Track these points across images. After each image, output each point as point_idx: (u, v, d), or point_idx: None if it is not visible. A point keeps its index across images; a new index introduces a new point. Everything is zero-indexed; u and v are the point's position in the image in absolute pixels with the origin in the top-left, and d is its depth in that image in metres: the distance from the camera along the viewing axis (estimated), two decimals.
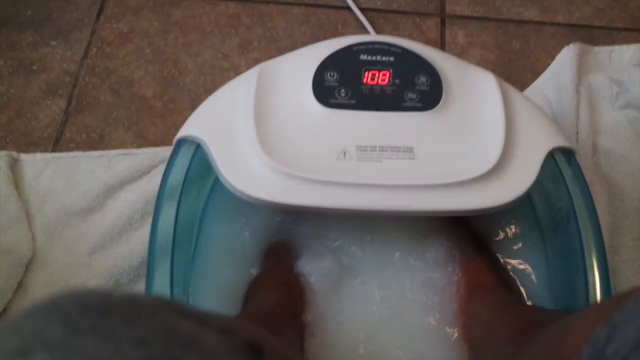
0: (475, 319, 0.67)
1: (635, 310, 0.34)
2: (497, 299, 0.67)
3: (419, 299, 0.70)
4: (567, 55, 0.92)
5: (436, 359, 0.67)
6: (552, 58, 0.95)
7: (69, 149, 0.89)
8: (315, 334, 0.69)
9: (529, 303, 0.70)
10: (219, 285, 0.71)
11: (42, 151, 0.89)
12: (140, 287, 0.76)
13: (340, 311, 0.70)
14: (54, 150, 0.89)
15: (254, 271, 0.72)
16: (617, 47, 0.96)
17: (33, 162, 0.86)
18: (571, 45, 0.93)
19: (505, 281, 0.70)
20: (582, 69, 0.92)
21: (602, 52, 0.96)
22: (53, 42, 0.99)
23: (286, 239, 0.73)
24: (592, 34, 1.00)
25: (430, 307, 0.70)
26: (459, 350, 0.67)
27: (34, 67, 0.96)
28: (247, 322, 0.64)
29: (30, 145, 0.90)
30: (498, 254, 0.72)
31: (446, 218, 0.72)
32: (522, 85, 0.94)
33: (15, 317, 0.28)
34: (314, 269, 0.71)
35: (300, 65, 0.67)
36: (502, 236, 0.73)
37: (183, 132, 0.67)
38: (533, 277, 0.71)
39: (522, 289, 0.70)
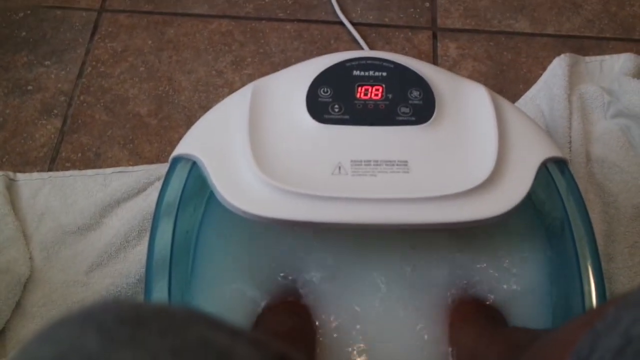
0: (462, 346, 0.68)
1: (617, 317, 0.34)
2: (483, 326, 0.68)
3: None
4: (558, 66, 0.93)
5: None
6: (544, 69, 0.96)
7: (64, 168, 0.90)
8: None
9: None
10: (217, 301, 0.71)
11: (38, 170, 0.89)
12: None
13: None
14: (50, 170, 0.89)
15: (252, 290, 0.72)
16: (607, 57, 0.97)
17: (29, 182, 0.87)
18: (562, 56, 0.94)
19: (489, 308, 0.71)
20: (573, 79, 0.93)
21: (592, 62, 0.96)
22: (47, 62, 1.00)
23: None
24: (583, 44, 1.01)
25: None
26: None
27: (29, 87, 0.97)
28: (276, 338, 0.65)
29: (27, 164, 0.90)
30: (493, 266, 0.73)
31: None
32: (514, 96, 0.95)
33: (47, 327, 0.28)
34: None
35: (293, 82, 0.68)
36: (496, 247, 0.73)
37: (178, 150, 0.67)
38: (529, 287, 0.71)
39: (516, 303, 0.71)
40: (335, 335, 0.71)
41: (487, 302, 0.72)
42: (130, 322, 0.28)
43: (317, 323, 0.71)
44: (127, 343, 0.26)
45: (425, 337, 0.71)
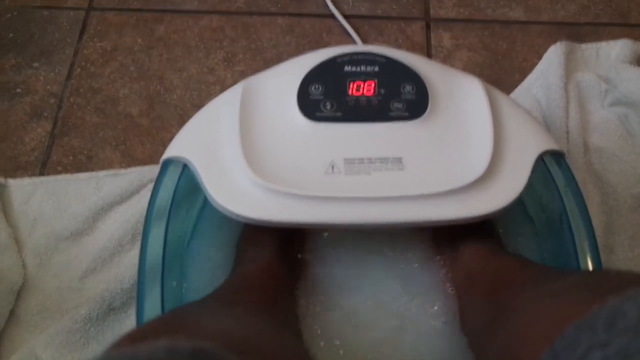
0: (460, 266, 0.68)
1: (575, 340, 0.35)
2: (479, 248, 0.67)
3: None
4: (554, 54, 0.92)
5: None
6: (539, 57, 0.95)
7: (56, 172, 0.88)
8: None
9: None
10: None
11: (29, 175, 0.88)
12: (133, 310, 0.75)
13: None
14: (41, 174, 0.88)
15: None
16: (604, 44, 0.95)
17: (21, 187, 0.86)
18: (558, 44, 0.93)
19: (486, 229, 0.70)
20: (569, 67, 0.91)
21: (589, 49, 0.95)
22: (36, 64, 0.98)
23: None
24: (578, 31, 1.00)
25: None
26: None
27: (18, 90, 0.96)
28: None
29: (17, 169, 0.89)
30: None
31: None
32: (510, 86, 0.93)
33: None
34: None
35: (284, 80, 0.67)
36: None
37: (169, 153, 0.66)
38: None
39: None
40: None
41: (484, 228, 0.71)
42: None
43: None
44: None
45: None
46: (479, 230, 0.67)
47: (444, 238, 0.71)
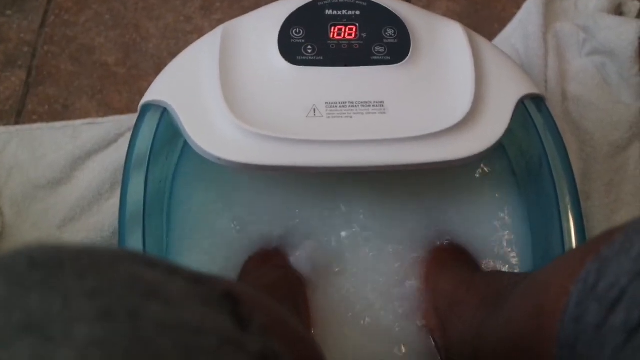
0: (440, 292, 0.67)
1: (627, 242, 0.33)
2: (461, 272, 0.67)
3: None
4: (533, 4, 0.92)
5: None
6: (519, 7, 0.94)
7: (32, 121, 0.87)
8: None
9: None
10: (195, 251, 0.70)
11: (4, 124, 0.86)
12: None
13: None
14: (16, 123, 0.87)
15: (232, 232, 0.71)
16: None
17: None
18: None
19: (466, 254, 0.71)
20: (548, 17, 0.91)
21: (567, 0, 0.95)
22: (8, 12, 0.96)
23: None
24: None
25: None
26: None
27: None
28: (232, 279, 0.63)
29: None
30: (474, 206, 0.73)
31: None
32: (489, 36, 0.93)
33: None
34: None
35: (264, 23, 0.66)
36: (476, 186, 0.73)
37: (148, 97, 0.65)
38: (509, 225, 0.71)
39: (494, 244, 0.71)
40: (317, 285, 0.71)
41: (463, 250, 0.71)
42: (44, 265, 0.26)
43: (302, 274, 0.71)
44: (37, 287, 0.24)
45: (407, 289, 0.71)
46: (455, 264, 0.68)
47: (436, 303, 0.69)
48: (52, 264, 0.26)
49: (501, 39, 0.93)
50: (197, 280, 0.30)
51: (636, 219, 0.35)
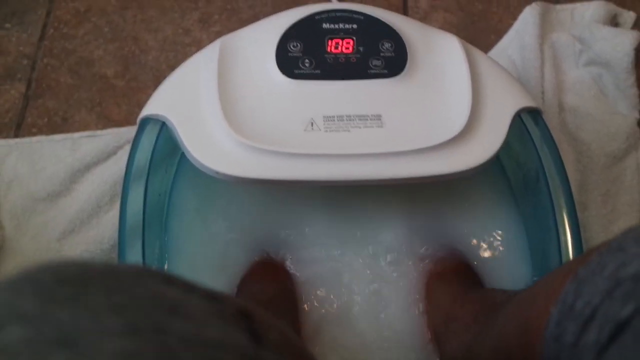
0: (437, 308, 0.68)
1: (601, 263, 0.34)
2: (458, 287, 0.68)
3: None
4: (529, 15, 0.92)
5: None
6: (515, 18, 0.95)
7: (31, 134, 0.87)
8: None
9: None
10: (193, 263, 0.70)
11: (4, 137, 0.87)
12: None
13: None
14: (16, 136, 0.87)
15: (229, 244, 0.71)
16: (578, 5, 0.96)
17: None
18: (533, 5, 0.93)
19: (465, 269, 0.71)
20: (545, 27, 0.92)
21: (564, 10, 0.96)
22: (8, 25, 0.96)
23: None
24: None
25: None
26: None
27: None
28: (240, 297, 0.64)
29: None
30: (471, 218, 0.73)
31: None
32: (486, 47, 0.94)
33: None
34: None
35: (262, 37, 0.66)
36: (473, 199, 0.73)
37: (147, 111, 0.65)
38: (507, 238, 0.72)
39: (493, 258, 0.71)
40: (313, 297, 0.71)
41: (464, 263, 0.72)
42: (72, 281, 0.26)
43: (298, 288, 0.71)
44: (67, 302, 0.25)
45: (408, 300, 0.71)
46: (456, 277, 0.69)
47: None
48: (80, 281, 0.27)
49: (498, 50, 0.93)
50: (213, 297, 0.31)
51: (610, 239, 0.36)
